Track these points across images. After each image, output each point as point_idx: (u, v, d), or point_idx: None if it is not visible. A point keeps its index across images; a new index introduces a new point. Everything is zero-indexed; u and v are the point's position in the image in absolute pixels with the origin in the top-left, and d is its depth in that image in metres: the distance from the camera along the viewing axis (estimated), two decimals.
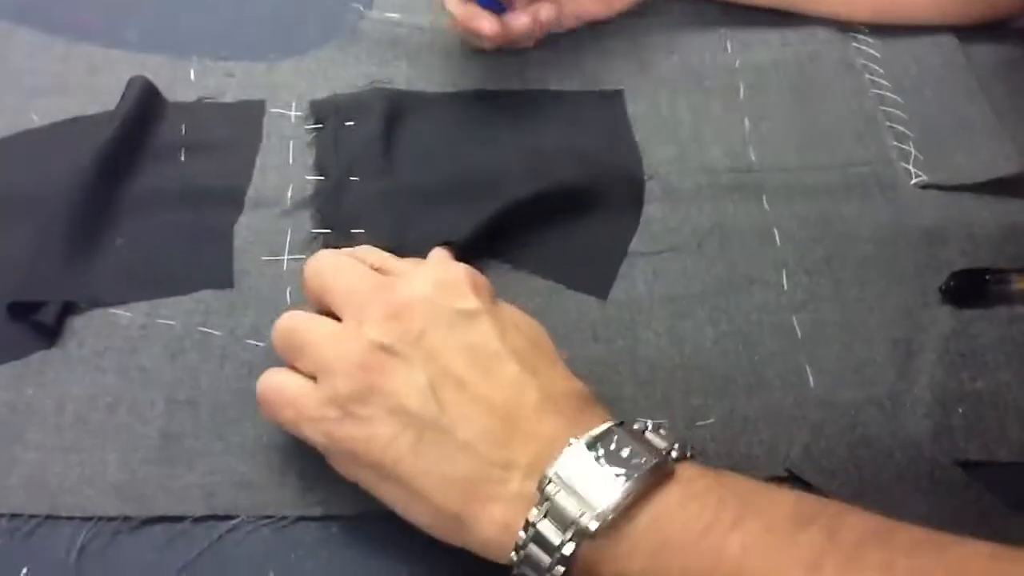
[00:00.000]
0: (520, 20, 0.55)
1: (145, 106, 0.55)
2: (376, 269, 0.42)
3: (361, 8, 0.62)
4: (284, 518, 0.41)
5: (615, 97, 0.58)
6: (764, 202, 0.53)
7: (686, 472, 0.34)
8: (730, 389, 0.46)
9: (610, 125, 0.57)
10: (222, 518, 0.41)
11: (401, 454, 0.36)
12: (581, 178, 0.53)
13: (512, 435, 0.35)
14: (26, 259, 0.48)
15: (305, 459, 0.42)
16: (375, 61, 0.59)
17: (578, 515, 0.32)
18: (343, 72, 0.58)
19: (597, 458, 0.33)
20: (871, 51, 0.60)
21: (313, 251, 0.49)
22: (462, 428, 0.35)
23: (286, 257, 0.50)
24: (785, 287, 0.49)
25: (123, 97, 0.55)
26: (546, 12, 0.55)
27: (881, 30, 0.61)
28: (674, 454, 0.34)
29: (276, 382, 0.40)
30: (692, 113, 0.57)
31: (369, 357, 0.37)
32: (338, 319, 0.40)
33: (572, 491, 0.33)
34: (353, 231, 0.50)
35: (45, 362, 0.46)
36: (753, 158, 0.55)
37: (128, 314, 0.47)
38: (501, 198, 0.51)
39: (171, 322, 0.47)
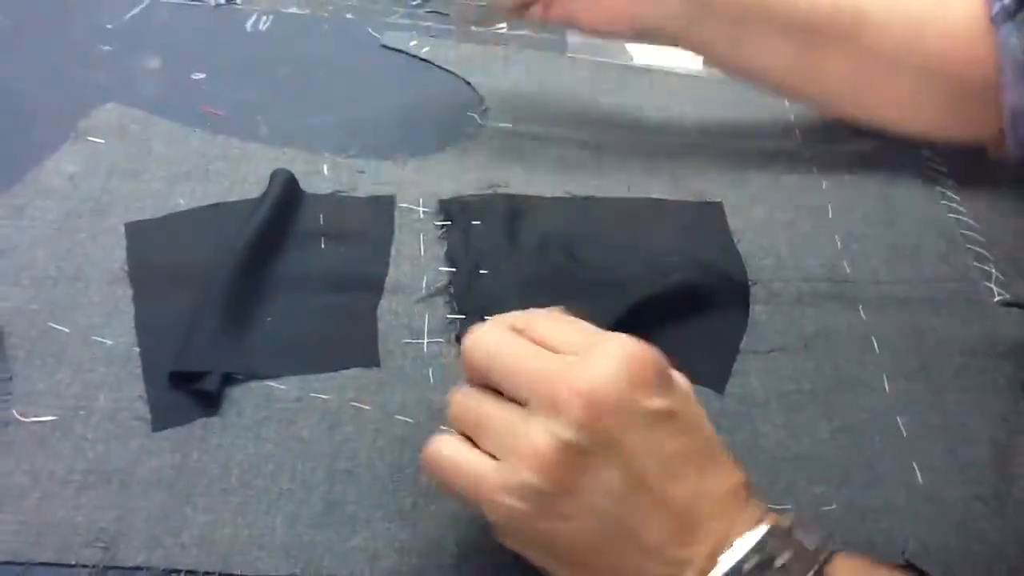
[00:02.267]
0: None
1: (287, 196, 0.59)
2: (537, 341, 0.40)
3: (477, 118, 0.68)
4: None
5: (716, 208, 0.63)
6: (861, 311, 0.57)
7: (840, 564, 0.36)
8: (847, 481, 0.49)
9: (713, 233, 0.61)
10: None
11: (589, 551, 0.37)
12: (692, 280, 0.57)
13: (689, 537, 0.37)
14: (183, 331, 0.51)
15: (460, 527, 0.45)
16: (492, 164, 0.64)
17: None
18: (464, 174, 0.63)
19: (756, 568, 0.35)
20: (946, 178, 0.66)
21: (450, 335, 0.53)
22: (647, 531, 0.37)
23: (426, 340, 0.53)
24: (887, 391, 0.53)
25: (269, 185, 0.59)
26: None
27: (953, 159, 0.67)
28: (821, 556, 0.36)
29: (450, 452, 0.39)
30: (785, 227, 0.62)
31: (564, 458, 0.36)
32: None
33: None
34: (486, 317, 0.54)
35: (208, 429, 0.48)
36: (848, 270, 0.59)
37: (283, 387, 0.50)
38: (620, 294, 0.55)
39: (325, 396, 0.50)
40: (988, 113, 0.59)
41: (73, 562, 0.43)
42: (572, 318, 0.42)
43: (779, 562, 0.35)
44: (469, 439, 0.40)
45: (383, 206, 0.61)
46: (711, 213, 0.63)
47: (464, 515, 0.46)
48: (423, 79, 0.71)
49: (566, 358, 0.39)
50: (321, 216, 0.59)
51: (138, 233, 0.57)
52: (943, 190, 0.65)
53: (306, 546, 0.44)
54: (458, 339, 0.53)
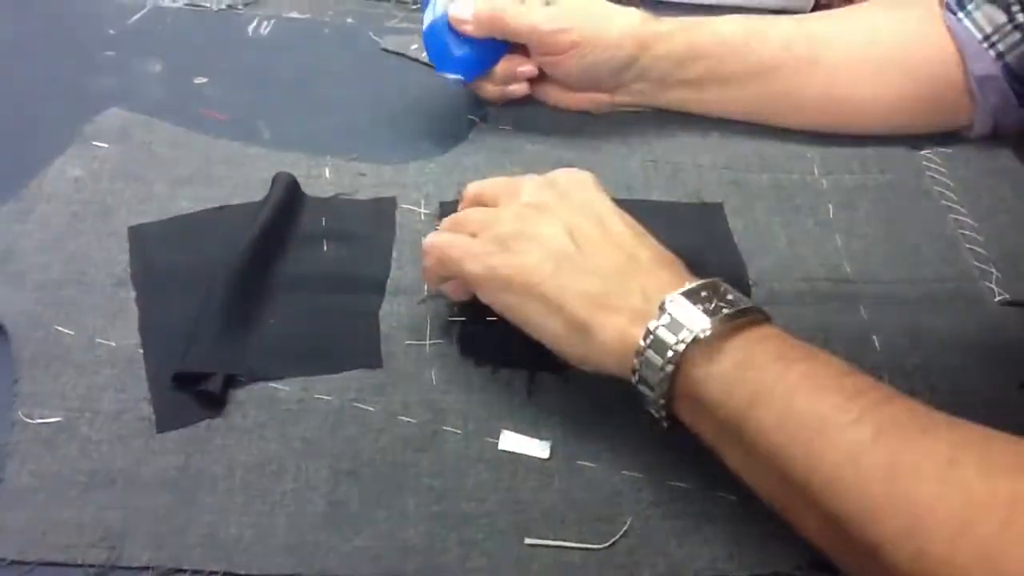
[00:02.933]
0: (518, 89, 0.67)
1: (289, 199, 0.59)
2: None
3: (478, 120, 0.68)
4: None
5: (716, 209, 0.63)
6: (861, 311, 0.57)
7: (771, 323, 0.45)
8: None
9: (713, 234, 0.62)
10: None
11: (544, 276, 0.46)
12: None
13: (631, 271, 0.46)
14: (186, 334, 0.52)
15: (463, 528, 0.46)
16: (493, 166, 0.65)
17: (690, 325, 0.42)
18: (464, 176, 0.63)
19: (709, 296, 0.43)
20: (945, 179, 0.66)
21: (450, 337, 0.54)
22: (593, 259, 0.46)
23: (428, 342, 0.54)
24: None
25: (271, 188, 0.59)
26: (519, 90, 0.68)
27: (952, 160, 0.67)
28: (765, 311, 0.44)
29: (442, 237, 0.51)
30: (786, 228, 0.62)
31: (524, 211, 0.49)
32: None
33: (688, 311, 0.42)
34: (489, 319, 0.54)
35: (212, 430, 0.49)
36: (848, 270, 0.59)
37: (286, 388, 0.51)
38: None
39: (327, 397, 0.50)
40: (957, 96, 0.66)
41: (79, 561, 0.43)
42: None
43: (730, 296, 0.44)
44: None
45: (385, 208, 0.61)
46: (712, 214, 0.63)
47: (468, 513, 0.46)
48: (424, 82, 0.72)
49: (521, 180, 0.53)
50: (323, 219, 0.60)
51: (141, 236, 0.58)
52: (943, 190, 0.65)
53: (309, 546, 0.45)
54: (459, 341, 0.54)
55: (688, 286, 0.44)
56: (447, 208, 0.61)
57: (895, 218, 0.63)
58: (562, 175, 0.52)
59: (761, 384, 0.41)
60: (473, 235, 0.50)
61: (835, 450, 0.38)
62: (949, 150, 0.68)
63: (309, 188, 0.62)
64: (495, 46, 0.65)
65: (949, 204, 0.64)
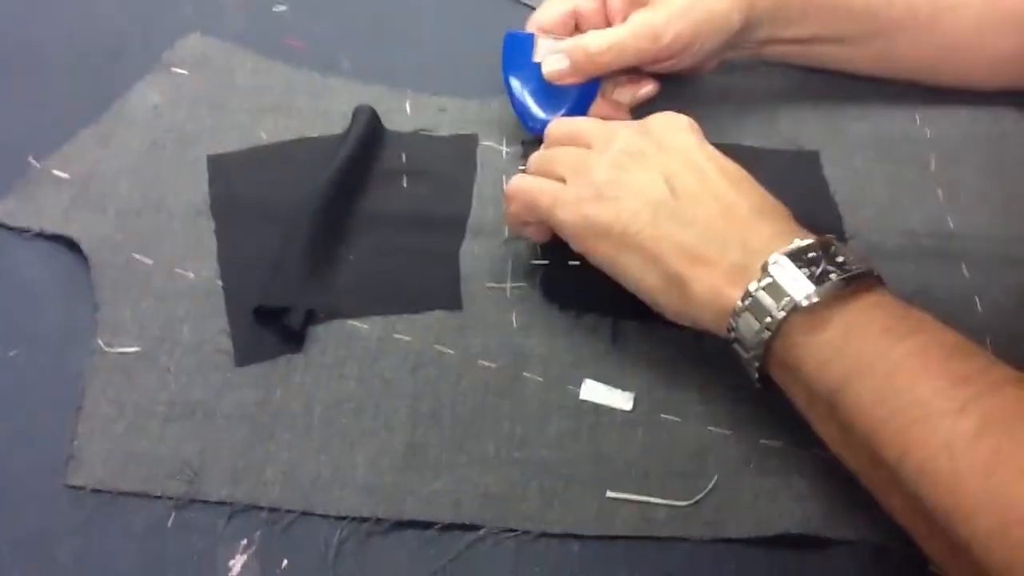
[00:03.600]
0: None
1: (370, 133, 0.58)
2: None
3: None
4: (527, 533, 0.43)
5: (812, 158, 0.60)
6: (964, 269, 0.54)
7: (881, 289, 0.41)
8: None
9: (808, 184, 0.59)
10: (468, 528, 0.43)
11: (641, 225, 0.44)
12: None
13: (730, 222, 0.43)
14: (266, 267, 0.51)
15: (544, 476, 0.44)
16: None
17: (793, 292, 0.39)
18: None
19: (816, 257, 0.40)
20: None
21: (533, 280, 0.52)
22: (691, 209, 0.44)
23: (509, 284, 0.52)
24: None
25: (352, 123, 0.58)
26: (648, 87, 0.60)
27: None
28: (877, 272, 0.41)
29: (530, 181, 0.48)
30: (886, 179, 0.59)
31: (621, 158, 0.46)
32: None
33: (792, 275, 0.39)
34: (570, 262, 0.52)
35: (291, 366, 0.48)
36: (952, 225, 0.56)
37: (365, 327, 0.50)
38: None
39: (407, 337, 0.49)
40: None
41: (159, 493, 0.43)
42: None
43: (840, 258, 0.40)
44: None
45: (466, 145, 0.59)
46: (807, 162, 0.60)
47: (549, 461, 0.45)
48: (509, 16, 0.69)
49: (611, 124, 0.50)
50: (403, 154, 0.58)
51: (220, 166, 0.57)
52: None
53: (388, 487, 0.44)
54: (542, 284, 0.52)
55: (795, 244, 0.41)
56: (530, 148, 0.59)
57: (1003, 171, 0.60)
58: (659, 120, 0.49)
59: (861, 359, 0.38)
60: (562, 179, 0.47)
61: (932, 440, 0.35)
62: None
63: (389, 123, 0.60)
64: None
65: None
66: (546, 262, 0.53)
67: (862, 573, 0.43)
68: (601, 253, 0.46)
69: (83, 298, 0.50)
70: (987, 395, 0.36)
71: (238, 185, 0.56)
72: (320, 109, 0.61)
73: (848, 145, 0.61)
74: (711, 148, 0.47)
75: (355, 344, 0.49)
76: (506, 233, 0.54)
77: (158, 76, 0.62)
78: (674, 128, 0.48)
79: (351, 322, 0.50)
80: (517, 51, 0.58)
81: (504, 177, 0.57)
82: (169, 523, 0.43)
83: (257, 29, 0.66)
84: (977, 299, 0.53)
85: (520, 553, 0.43)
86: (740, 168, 0.47)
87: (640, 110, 0.59)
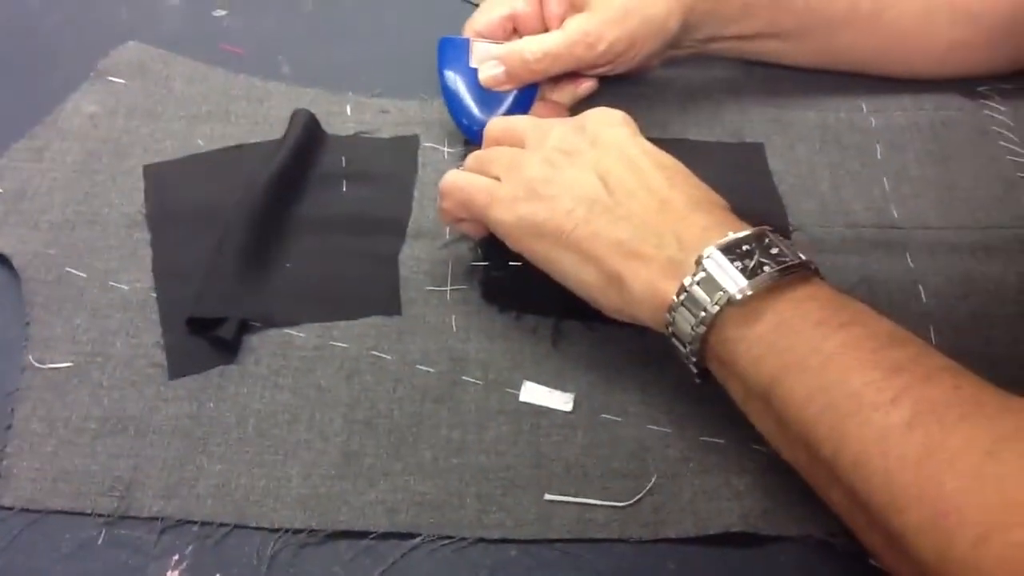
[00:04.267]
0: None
1: (309, 137, 0.57)
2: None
3: None
4: (464, 539, 0.42)
5: (756, 150, 0.60)
6: (908, 258, 0.54)
7: (816, 280, 0.41)
8: None
9: (752, 176, 0.58)
10: (404, 536, 0.42)
11: (576, 223, 0.43)
12: None
13: (665, 217, 0.43)
14: (201, 276, 0.50)
15: (481, 482, 0.44)
16: None
17: (726, 286, 0.39)
18: None
19: (750, 250, 0.40)
20: (1003, 119, 0.61)
21: (473, 282, 0.51)
22: (624, 205, 0.43)
23: (449, 287, 0.52)
24: (933, 341, 0.50)
25: (289, 127, 0.57)
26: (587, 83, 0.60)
27: (1011, 97, 0.63)
28: (812, 265, 0.41)
29: (465, 178, 0.48)
30: (831, 169, 0.59)
31: (553, 155, 0.46)
32: None
33: (725, 269, 0.39)
34: (511, 263, 0.52)
35: (224, 377, 0.47)
36: (895, 215, 0.56)
37: (302, 335, 0.49)
38: None
39: (344, 344, 0.49)
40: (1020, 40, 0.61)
41: (89, 511, 0.43)
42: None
43: (774, 250, 0.40)
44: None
45: (407, 146, 0.59)
46: (751, 154, 0.60)
47: (486, 466, 0.44)
48: (451, 14, 0.68)
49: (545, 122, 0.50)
50: (343, 158, 0.58)
51: (157, 176, 0.56)
52: (1001, 129, 0.61)
53: (323, 498, 0.43)
54: (483, 286, 0.51)
55: (729, 238, 0.40)
56: (471, 149, 0.58)
57: (948, 159, 0.59)
58: (593, 116, 0.48)
59: (794, 352, 0.38)
60: (497, 178, 0.47)
61: (865, 432, 0.35)
62: (1009, 86, 0.64)
63: (329, 126, 0.59)
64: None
65: (1007, 144, 0.60)
66: (486, 263, 0.52)
67: (804, 568, 0.42)
68: (537, 251, 0.45)
69: (14, 314, 0.49)
70: (919, 384, 0.36)
71: (174, 195, 0.55)
72: (259, 115, 0.60)
73: (793, 136, 0.61)
74: (646, 142, 0.47)
75: (291, 353, 0.48)
76: (447, 235, 0.54)
77: (94, 85, 0.61)
78: (608, 123, 0.48)
79: (287, 330, 0.49)
80: (453, 55, 0.57)
81: None
82: (99, 541, 0.42)
83: (195, 35, 0.66)
84: (921, 288, 0.53)
85: (457, 560, 0.42)
86: (676, 161, 0.46)
87: (579, 107, 0.58)
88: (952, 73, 0.63)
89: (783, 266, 0.39)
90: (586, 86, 0.59)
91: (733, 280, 0.39)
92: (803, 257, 0.41)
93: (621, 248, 0.42)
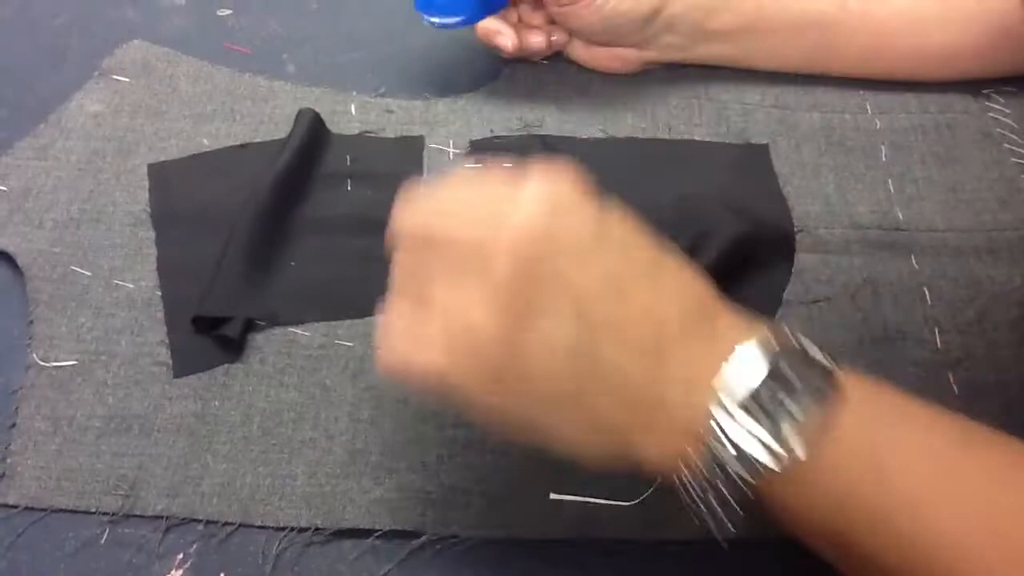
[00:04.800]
0: (535, 39, 0.60)
1: (313, 136, 0.57)
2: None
3: None
4: (469, 538, 0.42)
5: (761, 151, 0.60)
6: (913, 260, 0.54)
7: (851, 391, 0.34)
8: None
9: (757, 178, 0.58)
10: (409, 535, 0.42)
11: (560, 388, 0.34)
12: (734, 226, 0.54)
13: (661, 362, 0.34)
14: (206, 274, 0.50)
15: (488, 481, 0.44)
16: (525, 104, 0.61)
17: (756, 452, 0.32)
18: (496, 114, 0.61)
19: (771, 392, 0.33)
20: (1009, 121, 0.61)
21: None
22: (613, 351, 0.34)
23: None
24: (939, 345, 0.50)
25: (294, 126, 0.57)
26: (559, 36, 0.61)
27: (1016, 99, 0.63)
28: (827, 363, 0.34)
29: (401, 356, 0.36)
30: (835, 171, 0.59)
31: (509, 301, 0.34)
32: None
33: (748, 429, 0.33)
34: None
35: (229, 375, 0.47)
36: (900, 217, 0.56)
37: (307, 334, 0.49)
38: (658, 239, 0.53)
39: (349, 343, 0.49)
40: (1017, 42, 0.60)
41: (93, 509, 0.43)
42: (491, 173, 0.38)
43: (788, 372, 0.33)
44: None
45: (412, 147, 0.59)
46: (756, 156, 0.59)
47: (491, 465, 0.44)
48: None
49: (490, 216, 0.35)
50: (348, 157, 0.57)
51: (161, 174, 0.56)
52: (1005, 132, 0.61)
53: (327, 496, 0.43)
54: None
55: (742, 393, 0.33)
56: (477, 147, 0.58)
57: (953, 161, 0.59)
58: (538, 217, 0.34)
59: (859, 502, 0.33)
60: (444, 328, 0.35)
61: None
62: (1014, 88, 0.64)
63: (334, 125, 0.59)
64: None
65: (1012, 147, 0.60)
66: None
67: (812, 569, 0.42)
68: (530, 440, 0.36)
69: (18, 312, 0.49)
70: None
71: (179, 193, 0.55)
72: (264, 114, 0.60)
73: (798, 137, 0.61)
74: (613, 232, 0.36)
75: (296, 352, 0.48)
76: None
77: (98, 84, 0.61)
78: (564, 225, 0.35)
79: (292, 329, 0.49)
80: None
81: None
82: (103, 540, 0.42)
83: (201, 34, 0.66)
84: (926, 290, 0.53)
85: (461, 559, 0.42)
86: (650, 242, 0.37)
87: (585, 103, 0.59)
88: (944, 76, 0.63)
89: (810, 402, 0.33)
90: (558, 36, 0.60)
91: (760, 448, 0.33)
92: (823, 360, 0.35)
93: (619, 414, 0.35)
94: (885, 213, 0.56)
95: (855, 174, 0.59)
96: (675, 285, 0.36)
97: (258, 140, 0.58)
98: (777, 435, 0.32)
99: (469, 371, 0.34)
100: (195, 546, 0.42)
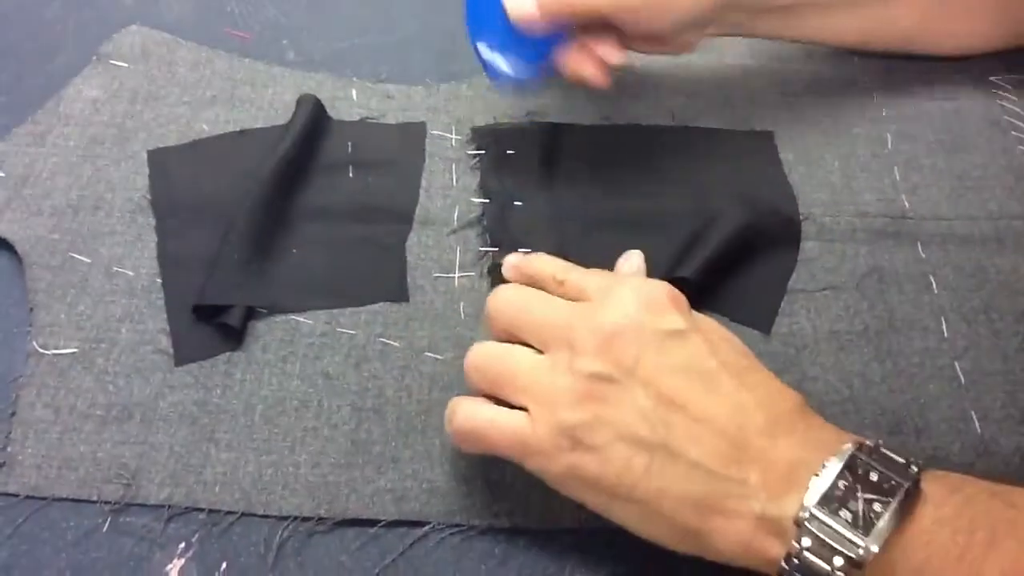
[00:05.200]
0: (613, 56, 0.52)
1: (314, 123, 0.56)
2: (560, 284, 0.43)
3: None
4: (473, 527, 0.42)
5: (766, 138, 0.59)
6: (919, 249, 0.54)
7: (933, 490, 0.34)
8: (899, 428, 0.46)
9: (762, 165, 0.58)
10: (413, 524, 0.42)
11: (636, 478, 0.36)
12: (740, 214, 0.53)
13: (743, 454, 0.36)
14: (207, 262, 0.49)
15: (491, 470, 0.44)
16: (528, 91, 0.61)
17: (843, 548, 0.33)
18: (498, 100, 0.60)
19: (849, 487, 0.34)
20: (1016, 108, 0.61)
21: (482, 269, 0.51)
22: (691, 448, 0.36)
23: (457, 275, 0.51)
24: (945, 334, 0.50)
25: (295, 113, 0.56)
26: (617, 57, 0.53)
27: (1023, 87, 0.62)
28: (914, 468, 0.34)
29: (484, 417, 0.39)
30: (841, 159, 0.58)
31: (591, 387, 0.37)
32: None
33: (834, 528, 0.33)
34: (520, 250, 0.51)
35: (231, 364, 0.47)
36: (907, 205, 0.56)
37: (309, 321, 0.48)
38: (661, 229, 0.53)
39: (351, 331, 0.48)
40: None
41: (94, 498, 0.42)
42: (595, 270, 0.43)
43: (873, 476, 0.34)
44: (488, 398, 0.40)
45: (414, 134, 0.58)
46: (761, 143, 0.59)
47: (496, 456, 0.44)
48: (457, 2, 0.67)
49: (581, 305, 0.40)
50: (349, 144, 0.57)
51: (161, 161, 0.55)
52: (1013, 119, 0.61)
53: (331, 486, 0.43)
54: (490, 272, 0.51)
55: (822, 486, 0.34)
56: (479, 134, 0.58)
57: (959, 149, 0.59)
58: (630, 309, 0.39)
59: None
60: (514, 407, 0.39)
61: None
62: (1021, 76, 0.63)
63: (335, 111, 0.59)
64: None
65: (1019, 134, 0.60)
66: (495, 249, 0.52)
67: None
68: (591, 503, 0.38)
69: (18, 300, 0.49)
70: None
71: (179, 180, 0.54)
72: (264, 100, 0.59)
73: (803, 124, 0.60)
74: (700, 331, 0.39)
75: (298, 340, 0.48)
76: (455, 223, 0.53)
77: (96, 69, 0.60)
78: (653, 319, 0.38)
79: (294, 317, 0.49)
80: (480, 5, 0.53)
81: (453, 166, 0.56)
82: (104, 529, 0.41)
83: (200, 19, 0.65)
84: (932, 279, 0.52)
85: (466, 548, 0.42)
86: (743, 355, 0.39)
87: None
88: (993, 48, 0.63)
89: (894, 499, 0.33)
90: (615, 56, 0.52)
91: (848, 539, 0.33)
92: (898, 458, 0.35)
93: (697, 506, 0.36)
94: (891, 201, 0.56)
95: (861, 162, 0.58)
96: (764, 389, 0.38)
97: (258, 126, 0.58)
98: (855, 524, 0.33)
99: (556, 457, 0.38)
100: (197, 535, 0.41)
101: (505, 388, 0.39)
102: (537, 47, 0.52)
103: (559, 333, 0.39)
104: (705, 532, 0.36)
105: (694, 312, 0.40)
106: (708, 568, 0.37)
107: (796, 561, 0.33)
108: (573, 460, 0.37)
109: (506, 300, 0.42)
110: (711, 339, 0.39)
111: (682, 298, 0.40)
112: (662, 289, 0.40)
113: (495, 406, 0.40)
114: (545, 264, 0.45)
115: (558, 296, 0.42)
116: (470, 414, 0.40)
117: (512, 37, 0.51)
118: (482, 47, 0.53)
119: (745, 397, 0.37)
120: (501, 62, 0.52)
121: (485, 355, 0.41)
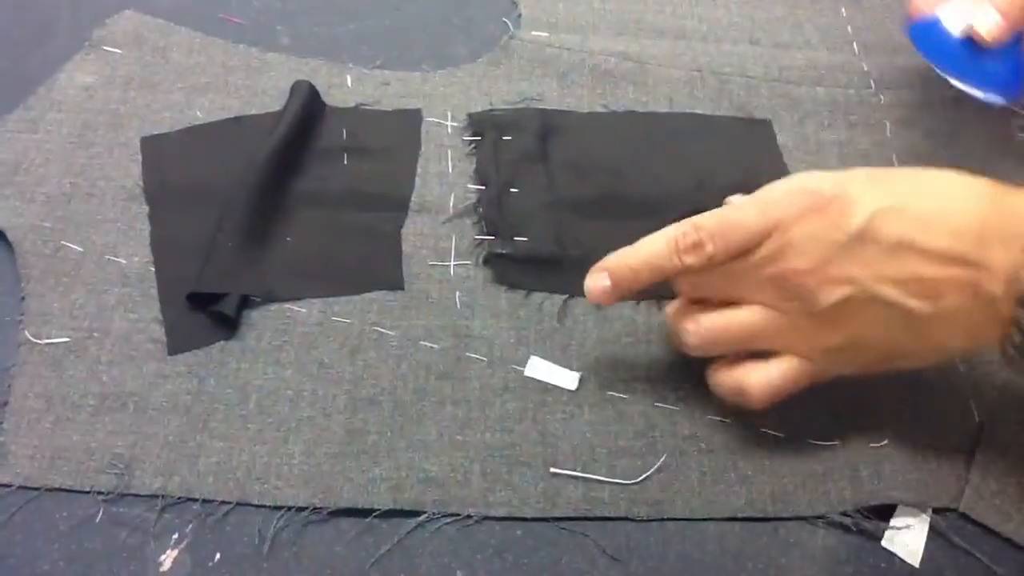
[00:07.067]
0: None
1: (309, 109, 0.56)
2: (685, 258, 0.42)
3: (510, 26, 0.64)
4: (468, 517, 0.42)
5: (764, 126, 0.59)
6: None
7: None
8: (899, 415, 0.46)
9: (759, 152, 0.57)
10: (408, 514, 0.42)
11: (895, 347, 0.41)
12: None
13: (979, 245, 0.38)
14: (201, 250, 0.49)
15: (487, 460, 0.43)
16: (525, 77, 0.60)
17: None
18: (495, 86, 0.60)
19: None
20: None
21: (478, 257, 0.50)
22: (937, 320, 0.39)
23: (452, 263, 0.51)
24: None
25: (290, 99, 0.56)
26: None
27: None
28: None
29: (759, 378, 0.41)
30: (839, 146, 0.58)
31: (836, 314, 0.40)
32: None
33: None
34: (516, 238, 0.51)
35: (225, 353, 0.47)
36: None
37: (303, 310, 0.48)
38: (659, 217, 0.52)
39: (346, 320, 0.48)
40: None
41: (88, 488, 0.42)
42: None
43: None
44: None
45: (409, 120, 0.58)
46: (759, 131, 0.59)
47: (492, 443, 0.44)
48: None
49: (752, 260, 0.42)
50: (344, 131, 0.56)
51: (154, 148, 0.55)
52: (1011, 107, 0.60)
53: (326, 475, 0.43)
54: (486, 261, 0.51)
55: None
56: (475, 121, 0.57)
57: (958, 137, 0.59)
58: (806, 227, 0.41)
59: None
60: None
61: None
62: None
63: (330, 98, 0.58)
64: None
65: (1020, 121, 0.59)
66: (491, 237, 0.51)
67: (812, 546, 0.42)
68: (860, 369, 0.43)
69: (10, 289, 0.48)
70: None
71: (172, 167, 0.54)
72: (259, 86, 0.59)
73: (802, 112, 0.60)
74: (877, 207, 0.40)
75: (292, 329, 0.48)
76: (451, 210, 0.53)
77: (89, 56, 0.60)
78: (822, 233, 0.40)
79: (288, 306, 0.48)
80: (930, 38, 0.54)
81: (449, 152, 0.56)
82: (97, 519, 0.41)
83: (193, 4, 0.64)
84: None
85: (461, 538, 0.42)
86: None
87: (584, 76, 0.57)
88: None
89: None
90: None
91: None
92: None
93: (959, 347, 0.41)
94: None
95: (859, 149, 0.58)
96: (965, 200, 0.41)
97: (253, 112, 0.57)
98: None
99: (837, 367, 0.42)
100: (191, 525, 0.41)
101: (752, 343, 0.42)
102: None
103: (768, 294, 0.41)
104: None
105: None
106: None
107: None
108: (836, 367, 0.42)
109: (709, 341, 0.43)
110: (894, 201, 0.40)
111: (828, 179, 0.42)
112: (810, 183, 0.42)
113: (757, 364, 0.42)
114: (640, 260, 0.43)
115: (689, 267, 0.42)
116: (741, 378, 0.42)
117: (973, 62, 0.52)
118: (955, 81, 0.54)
119: (957, 235, 0.39)
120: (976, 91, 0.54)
121: (713, 324, 0.42)
